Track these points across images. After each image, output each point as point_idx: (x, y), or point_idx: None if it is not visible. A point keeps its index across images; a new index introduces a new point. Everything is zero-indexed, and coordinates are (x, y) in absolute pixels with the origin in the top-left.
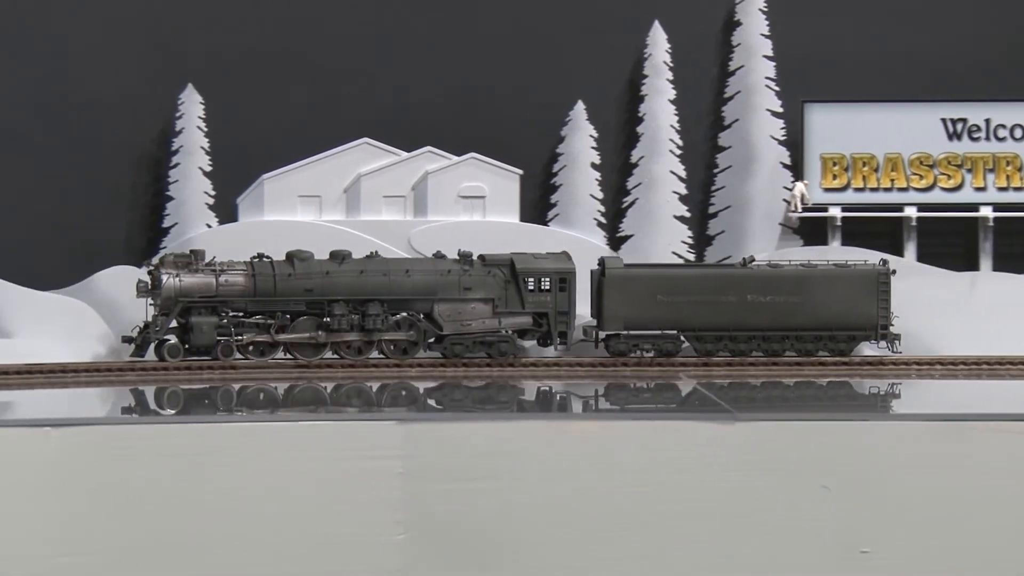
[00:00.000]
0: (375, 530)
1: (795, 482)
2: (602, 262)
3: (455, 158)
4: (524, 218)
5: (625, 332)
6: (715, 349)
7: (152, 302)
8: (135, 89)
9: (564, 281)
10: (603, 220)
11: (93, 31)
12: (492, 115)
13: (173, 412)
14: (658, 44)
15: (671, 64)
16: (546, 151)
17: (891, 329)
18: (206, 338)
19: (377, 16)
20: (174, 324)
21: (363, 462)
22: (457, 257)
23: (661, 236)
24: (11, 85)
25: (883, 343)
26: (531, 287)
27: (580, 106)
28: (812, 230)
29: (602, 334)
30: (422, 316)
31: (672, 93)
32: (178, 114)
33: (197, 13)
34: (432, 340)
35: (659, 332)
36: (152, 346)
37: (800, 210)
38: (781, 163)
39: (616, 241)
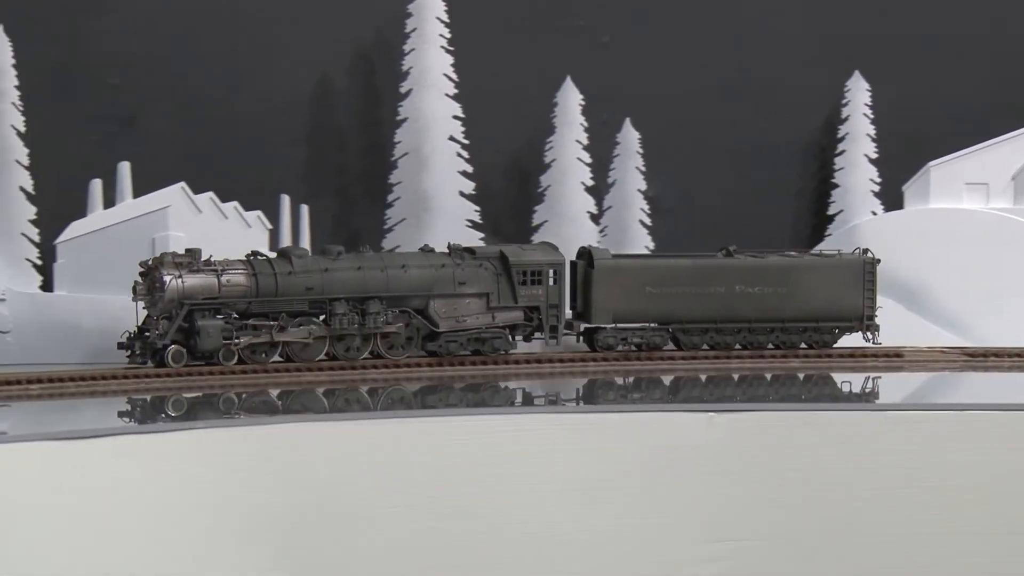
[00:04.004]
0: None
1: None
2: (587, 253)
3: None
4: None
5: (612, 325)
6: (700, 342)
7: (148, 305)
8: (803, 77)
9: (556, 273)
10: None
11: (765, 20)
12: None
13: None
14: None
15: None
16: None
17: (875, 320)
18: (213, 342)
19: None
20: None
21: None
22: (447, 250)
23: None
24: (690, 74)
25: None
26: (523, 280)
27: None
28: None
29: (583, 327)
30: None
31: None
32: (844, 101)
33: None
34: (424, 337)
35: (644, 325)
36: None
37: None
38: None
39: None
